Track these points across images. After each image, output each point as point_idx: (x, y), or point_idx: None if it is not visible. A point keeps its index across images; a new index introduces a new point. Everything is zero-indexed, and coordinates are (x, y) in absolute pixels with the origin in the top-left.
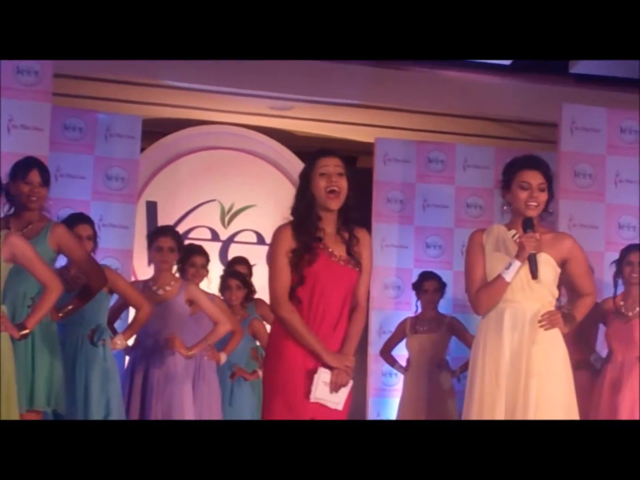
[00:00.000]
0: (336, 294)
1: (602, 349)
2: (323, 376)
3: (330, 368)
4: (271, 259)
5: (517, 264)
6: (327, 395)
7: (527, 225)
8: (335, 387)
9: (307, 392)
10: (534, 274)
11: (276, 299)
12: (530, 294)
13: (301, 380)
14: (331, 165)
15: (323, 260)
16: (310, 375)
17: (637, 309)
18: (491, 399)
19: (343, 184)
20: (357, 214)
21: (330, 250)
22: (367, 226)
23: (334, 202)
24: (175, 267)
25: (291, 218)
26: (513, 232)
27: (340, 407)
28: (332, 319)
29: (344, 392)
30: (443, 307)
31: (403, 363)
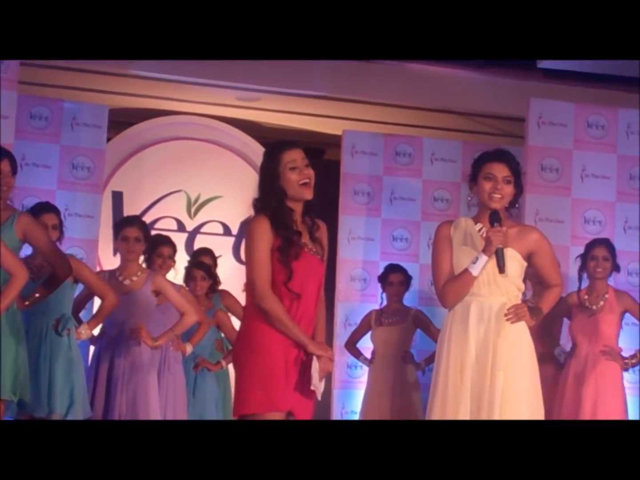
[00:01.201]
0: (314, 286)
1: (566, 342)
2: (315, 365)
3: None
4: (251, 252)
5: (484, 258)
6: (318, 383)
7: (494, 219)
8: (323, 374)
9: (289, 382)
10: (501, 268)
11: (260, 291)
12: (496, 289)
13: (283, 371)
14: (298, 158)
15: (304, 254)
16: (292, 365)
17: (601, 303)
18: (456, 392)
19: (312, 173)
20: (315, 202)
21: (303, 241)
22: (334, 218)
23: (308, 192)
24: (141, 258)
25: (254, 210)
26: (480, 225)
27: (320, 397)
28: (311, 312)
29: (324, 381)
30: (409, 299)
31: (368, 355)
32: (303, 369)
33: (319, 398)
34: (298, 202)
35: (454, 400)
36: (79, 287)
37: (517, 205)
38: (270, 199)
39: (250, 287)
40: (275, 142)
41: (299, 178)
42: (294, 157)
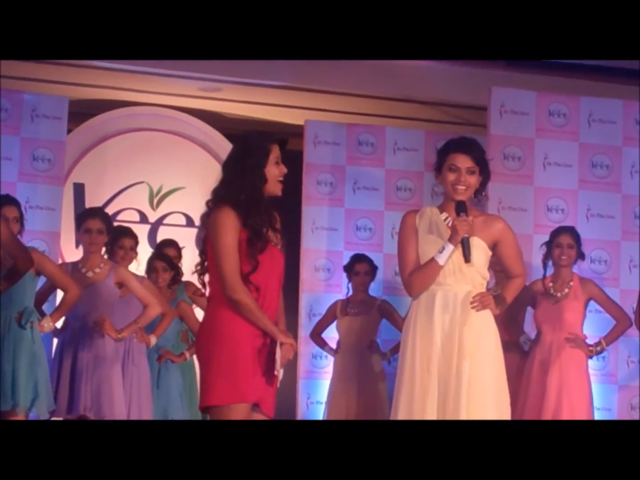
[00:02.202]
0: (277, 277)
1: (530, 330)
2: (278, 352)
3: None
4: (219, 242)
5: (450, 247)
6: (279, 371)
7: (460, 208)
8: (284, 360)
9: (255, 373)
10: (467, 257)
11: (230, 282)
12: (461, 277)
13: (251, 361)
14: (279, 154)
15: (269, 247)
16: (257, 355)
17: (566, 290)
18: (422, 381)
19: (286, 170)
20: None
21: (267, 234)
22: (297, 209)
23: (280, 189)
24: (103, 249)
25: (215, 197)
26: (445, 215)
27: (278, 384)
28: (275, 303)
29: (283, 369)
30: (373, 289)
31: (333, 345)
32: (269, 359)
33: (278, 385)
34: (271, 195)
35: (421, 390)
36: (41, 280)
37: (484, 194)
38: (246, 188)
39: (219, 278)
40: (262, 132)
41: (278, 174)
42: (278, 152)
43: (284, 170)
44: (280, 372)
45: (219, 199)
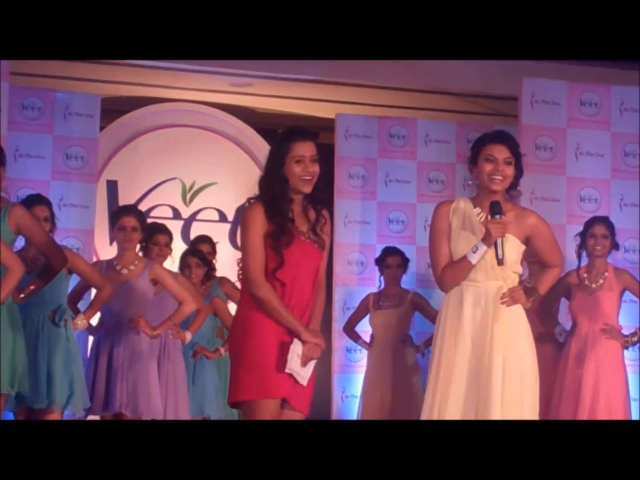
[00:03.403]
0: (308, 274)
1: (564, 322)
2: (297, 348)
3: (304, 342)
4: (245, 239)
5: (483, 248)
6: (298, 368)
7: (495, 210)
8: (306, 359)
9: (281, 367)
10: (500, 261)
11: (253, 278)
12: (492, 275)
13: (275, 357)
14: (307, 152)
15: (297, 241)
16: (285, 352)
17: (601, 281)
18: (454, 375)
19: (317, 169)
20: (324, 195)
21: (300, 230)
22: (330, 202)
23: (308, 187)
24: (138, 247)
25: (256, 194)
26: (478, 210)
27: (305, 383)
28: (304, 299)
29: (310, 368)
30: (406, 282)
31: (367, 339)
32: None
33: (304, 383)
34: (298, 193)
35: (451, 385)
36: (74, 278)
37: (518, 188)
38: (272, 185)
39: (244, 274)
40: (290, 128)
41: (302, 173)
42: (303, 151)
43: (310, 170)
44: (299, 371)
45: (254, 197)
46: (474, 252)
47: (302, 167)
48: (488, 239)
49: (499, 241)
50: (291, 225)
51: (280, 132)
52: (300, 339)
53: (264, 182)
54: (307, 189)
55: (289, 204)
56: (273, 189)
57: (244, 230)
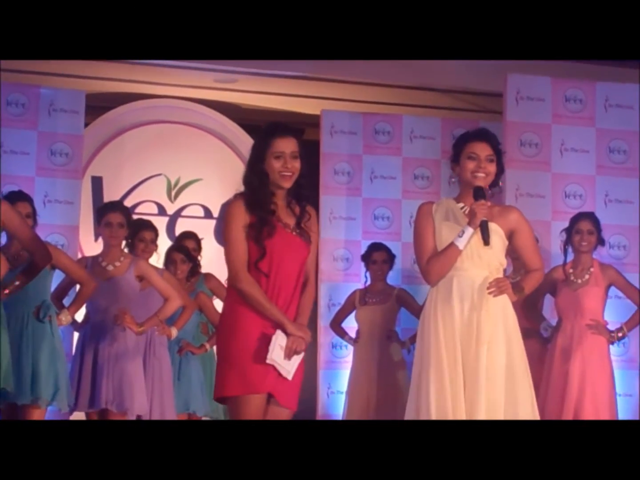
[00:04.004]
0: (292, 266)
1: (549, 318)
2: (280, 339)
3: (288, 335)
4: (226, 233)
5: (469, 230)
6: (281, 360)
7: (478, 194)
8: (289, 352)
9: (266, 363)
10: (486, 240)
11: (235, 271)
12: (479, 262)
13: (259, 351)
14: (287, 148)
15: (280, 233)
16: (268, 345)
17: (587, 276)
18: (441, 369)
19: (297, 165)
20: (307, 191)
21: (284, 222)
22: (315, 199)
23: (287, 182)
24: (124, 243)
25: (241, 189)
26: (461, 204)
27: (290, 377)
28: (289, 291)
29: (295, 362)
30: (392, 278)
31: (353, 335)
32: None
33: (288, 377)
34: (279, 188)
35: (440, 377)
36: (57, 275)
37: (500, 184)
38: (253, 179)
39: (227, 268)
40: (272, 124)
41: (281, 169)
42: (283, 147)
43: (290, 166)
44: (282, 363)
45: (236, 192)
46: (460, 237)
47: (282, 163)
48: (473, 220)
49: (484, 223)
50: (273, 217)
51: (263, 127)
52: (284, 331)
53: (245, 176)
54: (287, 185)
55: (270, 197)
56: (253, 183)
57: (225, 225)
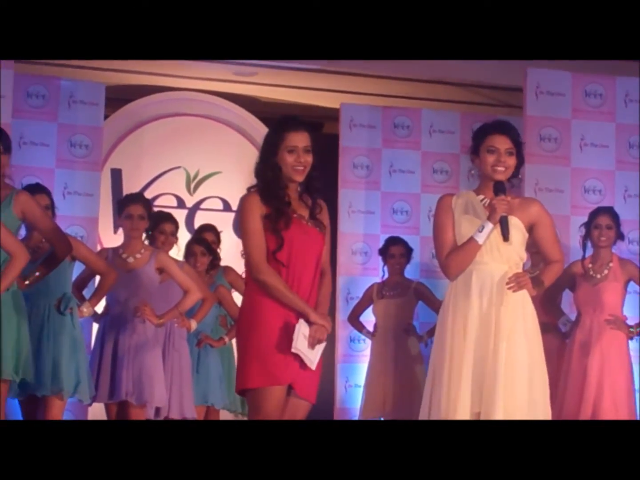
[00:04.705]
0: (310, 256)
1: (568, 313)
2: (303, 329)
3: (311, 324)
4: (244, 225)
5: (489, 225)
6: (305, 349)
7: (499, 188)
8: (313, 341)
9: (288, 355)
10: (506, 236)
11: (255, 263)
12: (498, 256)
13: (281, 342)
14: (300, 142)
15: (296, 223)
16: (290, 335)
17: (606, 271)
18: (459, 363)
19: (309, 159)
20: (319, 183)
21: (298, 213)
22: (334, 192)
23: (299, 176)
24: (144, 235)
25: (255, 181)
26: (481, 197)
27: (313, 366)
28: (308, 281)
29: (318, 351)
30: (410, 272)
31: (370, 328)
32: None
33: (312, 367)
34: (291, 181)
35: (458, 370)
36: (78, 266)
37: (519, 176)
38: (266, 171)
39: (246, 261)
40: (285, 117)
41: (294, 163)
42: (296, 141)
43: (302, 160)
44: (307, 353)
45: (252, 186)
46: (480, 232)
47: (295, 157)
48: (493, 215)
49: (504, 218)
50: (288, 208)
51: (276, 120)
52: (307, 320)
53: (258, 169)
54: (299, 178)
55: (284, 189)
56: (267, 176)
57: (242, 217)
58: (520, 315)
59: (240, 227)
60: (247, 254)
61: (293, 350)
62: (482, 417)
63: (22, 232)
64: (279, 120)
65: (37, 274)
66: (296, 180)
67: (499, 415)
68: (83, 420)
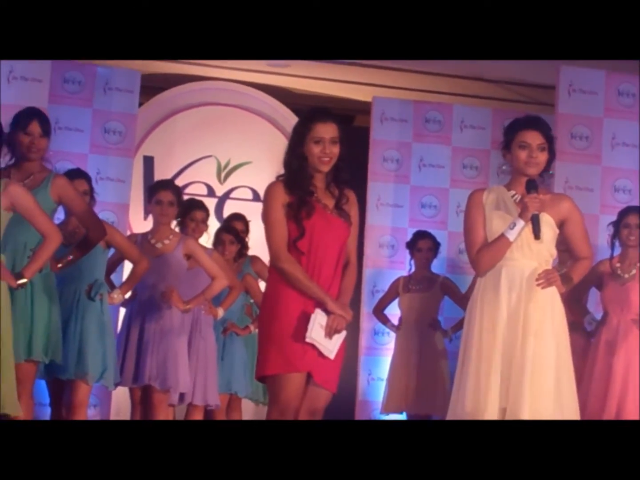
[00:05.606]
0: (333, 246)
1: (594, 312)
2: (319, 318)
3: (329, 313)
4: (266, 213)
5: (521, 223)
6: (322, 339)
7: (531, 186)
8: (330, 331)
9: (307, 342)
10: (537, 234)
11: (276, 251)
12: (529, 253)
13: (299, 330)
14: (327, 133)
15: (319, 213)
16: (308, 324)
17: (634, 271)
18: (487, 359)
19: (335, 151)
20: (347, 174)
21: (323, 203)
22: (363, 185)
23: (325, 166)
24: (174, 222)
25: (282, 172)
26: (513, 192)
27: (332, 356)
28: (329, 271)
29: (337, 341)
30: (436, 267)
31: (395, 322)
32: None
33: (330, 356)
34: (318, 171)
35: (486, 366)
36: (111, 252)
37: (550, 172)
38: (292, 160)
39: (268, 248)
40: (313, 109)
41: (320, 154)
42: (323, 132)
43: (328, 151)
44: (323, 342)
45: (279, 175)
46: (512, 229)
47: (321, 148)
48: (525, 213)
49: (535, 217)
50: (312, 198)
51: (304, 112)
52: (325, 309)
53: (286, 158)
54: (325, 169)
55: (309, 179)
56: (293, 166)
57: (265, 205)
58: (549, 312)
59: (263, 215)
60: (268, 242)
61: (307, 339)
62: (508, 413)
63: (62, 216)
64: (308, 111)
65: (70, 257)
66: (322, 171)
67: (525, 411)
68: (83, 420)
